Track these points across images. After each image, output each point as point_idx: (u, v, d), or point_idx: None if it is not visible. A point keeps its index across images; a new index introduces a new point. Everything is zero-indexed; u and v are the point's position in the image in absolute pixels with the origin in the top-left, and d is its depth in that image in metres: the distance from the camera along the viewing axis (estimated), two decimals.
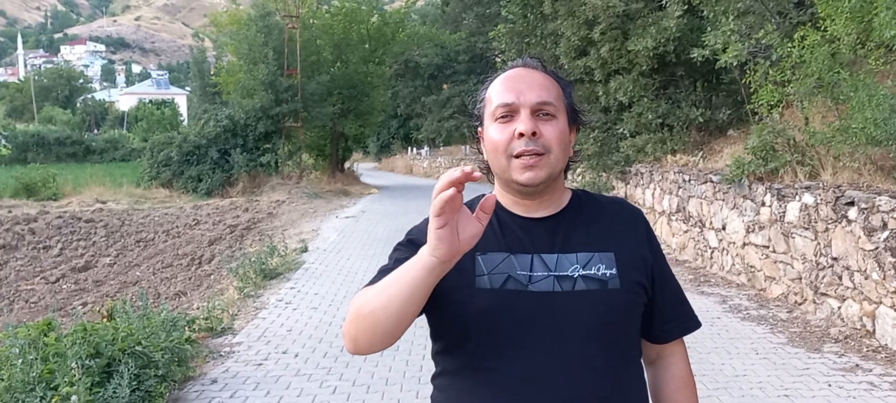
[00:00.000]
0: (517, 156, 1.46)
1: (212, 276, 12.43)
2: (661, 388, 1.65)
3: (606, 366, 1.43)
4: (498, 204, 1.57)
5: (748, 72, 8.31)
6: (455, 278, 1.47)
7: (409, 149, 42.77)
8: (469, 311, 1.47)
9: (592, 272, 1.47)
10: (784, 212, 7.18)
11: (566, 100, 1.54)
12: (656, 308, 1.58)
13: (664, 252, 1.64)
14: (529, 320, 1.44)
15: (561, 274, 1.46)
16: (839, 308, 6.27)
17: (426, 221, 1.56)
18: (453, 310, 1.49)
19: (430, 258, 1.23)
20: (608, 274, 1.47)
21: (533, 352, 1.43)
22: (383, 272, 1.48)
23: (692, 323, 1.66)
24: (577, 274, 1.46)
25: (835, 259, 6.29)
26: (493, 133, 1.50)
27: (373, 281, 1.48)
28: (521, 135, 1.45)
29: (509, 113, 1.48)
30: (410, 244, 1.54)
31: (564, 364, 1.42)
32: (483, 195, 1.59)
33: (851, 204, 6.03)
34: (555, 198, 1.55)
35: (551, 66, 1.60)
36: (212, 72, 35.79)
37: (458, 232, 1.23)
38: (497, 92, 1.52)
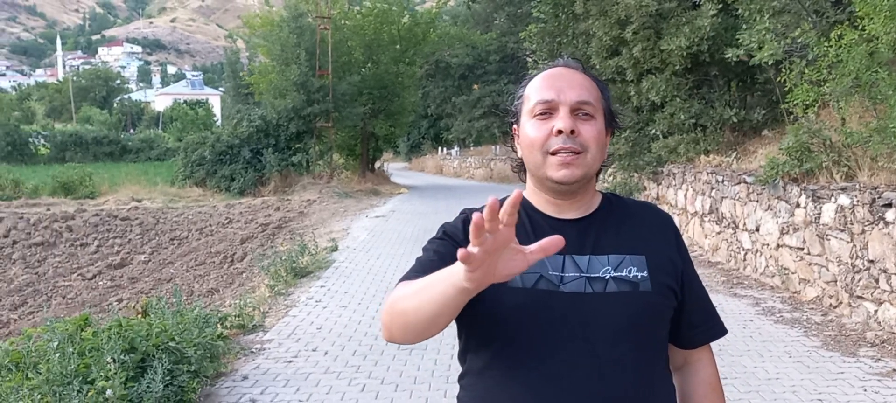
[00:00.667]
0: (554, 154, 1.47)
1: (244, 274, 12.57)
2: (689, 394, 1.64)
3: (636, 368, 1.43)
4: (529, 204, 1.58)
5: (783, 71, 8.20)
6: None
7: (440, 149, 42.78)
8: (500, 309, 1.47)
9: (624, 274, 1.47)
10: (819, 214, 7.06)
11: (604, 103, 1.55)
12: (684, 312, 1.58)
13: (696, 253, 1.63)
14: (560, 320, 1.44)
15: (592, 275, 1.47)
16: (876, 311, 6.16)
17: (461, 220, 1.57)
18: (484, 308, 1.47)
19: (464, 283, 1.18)
20: (639, 277, 1.48)
21: (563, 352, 1.43)
22: (421, 264, 1.49)
23: (719, 329, 1.65)
24: (608, 275, 1.47)
25: (871, 261, 6.18)
26: (530, 129, 1.50)
27: (409, 274, 1.48)
28: (560, 132, 1.46)
29: (548, 110, 1.49)
30: (446, 238, 1.55)
31: (594, 365, 1.42)
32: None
33: (889, 205, 5.92)
34: (586, 199, 1.56)
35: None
36: (243, 73, 36.13)
37: (500, 264, 1.17)
38: (536, 89, 1.52)
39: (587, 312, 1.44)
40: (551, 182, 1.50)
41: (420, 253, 1.57)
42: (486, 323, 1.51)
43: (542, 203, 1.56)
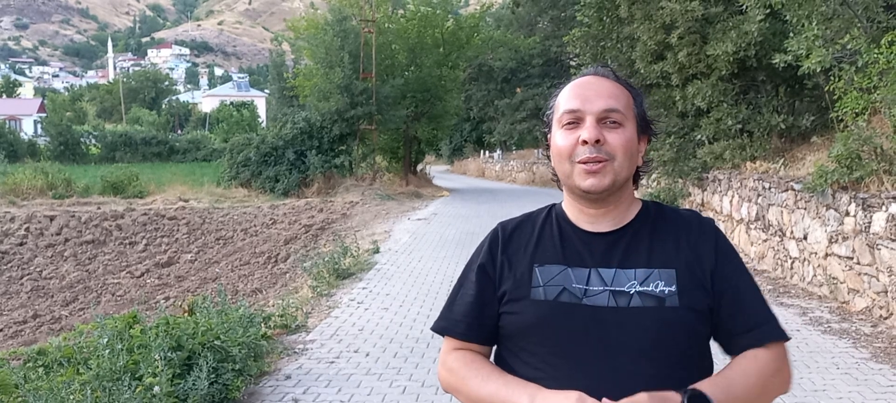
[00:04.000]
0: (581, 163, 1.47)
1: (287, 274, 12.74)
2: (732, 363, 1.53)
3: (660, 384, 1.39)
4: (563, 215, 1.59)
5: (832, 78, 8.03)
6: (512, 288, 1.53)
7: (482, 151, 42.80)
8: (523, 321, 1.50)
9: (650, 289, 1.45)
10: (870, 223, 6.91)
11: (636, 109, 1.54)
12: (725, 321, 1.51)
13: (743, 261, 1.56)
14: (582, 333, 1.45)
15: (617, 289, 1.46)
16: None
17: (488, 241, 1.62)
18: (509, 320, 1.53)
19: None
20: (667, 292, 1.45)
21: (585, 365, 1.43)
22: (461, 303, 1.62)
23: (770, 334, 1.51)
24: (633, 290, 1.45)
25: None
26: (559, 139, 1.52)
27: (446, 311, 1.64)
28: (585, 142, 1.46)
29: (575, 120, 1.50)
30: (481, 271, 1.60)
31: (617, 379, 1.40)
32: (553, 205, 1.62)
33: None
34: (621, 209, 1.55)
35: (627, 70, 1.63)
36: (288, 76, 36.56)
37: None
38: (565, 99, 1.53)
39: (610, 326, 1.44)
40: (580, 191, 1.51)
41: (453, 265, 1.64)
42: (511, 335, 1.54)
43: (575, 214, 1.57)
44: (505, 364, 1.56)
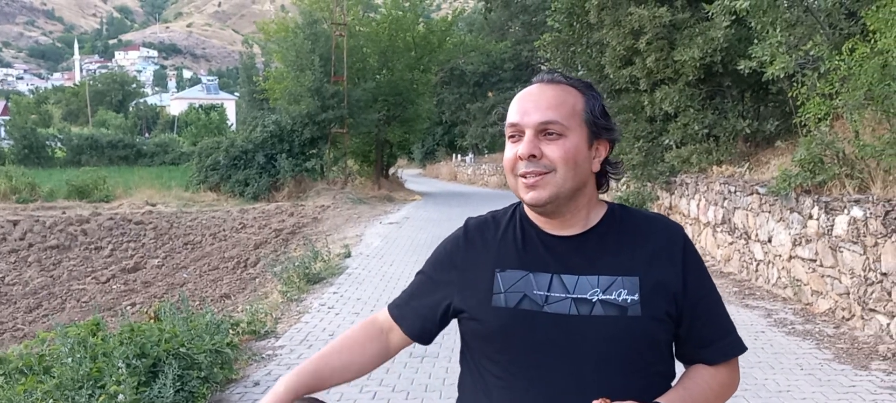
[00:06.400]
0: (522, 177, 1.46)
1: (256, 279, 12.63)
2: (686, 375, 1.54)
3: (621, 393, 1.37)
4: (527, 218, 1.57)
5: (796, 84, 8.17)
6: (473, 295, 1.51)
7: (454, 155, 42.87)
8: (484, 329, 1.48)
9: (613, 297, 1.42)
10: (832, 226, 7.03)
11: (587, 115, 1.48)
12: (690, 333, 1.50)
13: (708, 264, 1.56)
14: (544, 341, 1.43)
15: (579, 296, 1.43)
16: (888, 324, 6.12)
17: (453, 246, 1.65)
18: (471, 326, 1.52)
19: None
20: (629, 300, 1.42)
21: (545, 374, 1.42)
22: (414, 289, 1.68)
23: (731, 349, 1.53)
24: (595, 298, 1.42)
25: (884, 274, 6.15)
26: (506, 152, 1.50)
27: (403, 295, 1.67)
28: (520, 157, 1.45)
29: (516, 133, 1.48)
30: (442, 274, 1.63)
31: (579, 389, 1.39)
32: (518, 205, 1.61)
33: None
34: (579, 215, 1.51)
35: (596, 75, 1.59)
36: (258, 79, 36.31)
37: None
38: (510, 111, 1.51)
39: (572, 334, 1.41)
40: (525, 203, 1.50)
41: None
42: (472, 341, 1.54)
43: (537, 217, 1.54)
44: (470, 367, 1.56)
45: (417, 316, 1.64)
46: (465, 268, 1.56)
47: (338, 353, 1.64)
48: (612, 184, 1.62)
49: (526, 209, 1.56)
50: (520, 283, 1.47)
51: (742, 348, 1.54)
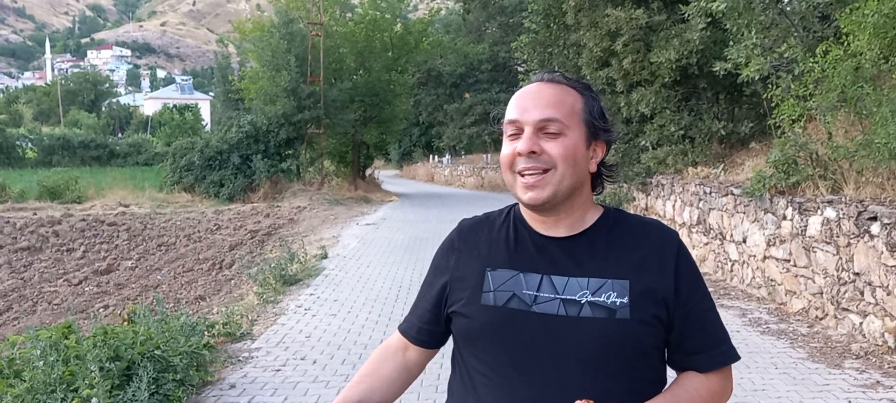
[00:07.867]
0: (520, 175, 1.46)
1: (232, 281, 12.53)
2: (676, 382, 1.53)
3: (607, 396, 1.36)
4: (520, 217, 1.57)
5: (770, 86, 8.26)
6: (463, 293, 1.52)
7: (431, 156, 42.88)
8: (473, 327, 1.49)
9: (602, 299, 1.42)
10: (806, 226, 7.11)
11: (585, 115, 1.49)
12: (681, 340, 1.48)
13: (703, 277, 1.53)
14: (531, 341, 1.43)
15: (568, 297, 1.43)
16: (861, 323, 6.20)
17: (448, 246, 1.64)
18: (460, 324, 1.52)
19: None
20: (618, 303, 1.41)
21: (531, 373, 1.42)
22: (419, 299, 1.69)
23: (723, 357, 1.51)
24: (584, 299, 1.42)
25: (857, 274, 6.22)
26: (503, 149, 1.50)
27: (415, 303, 1.69)
28: (520, 153, 1.45)
29: (516, 130, 1.48)
30: (439, 278, 1.63)
31: (565, 391, 1.38)
32: (513, 206, 1.61)
33: (874, 219, 5.97)
34: (574, 216, 1.51)
35: (572, 76, 1.59)
36: (233, 79, 36.02)
37: None
38: (509, 108, 1.51)
39: (560, 335, 1.41)
40: (522, 203, 1.50)
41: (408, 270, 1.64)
42: (462, 339, 1.54)
43: (530, 217, 1.54)
44: (459, 367, 1.57)
45: (421, 322, 1.66)
46: (458, 266, 1.58)
47: (356, 386, 1.63)
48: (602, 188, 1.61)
49: (521, 210, 1.57)
50: (509, 283, 1.48)
51: (735, 357, 1.53)
